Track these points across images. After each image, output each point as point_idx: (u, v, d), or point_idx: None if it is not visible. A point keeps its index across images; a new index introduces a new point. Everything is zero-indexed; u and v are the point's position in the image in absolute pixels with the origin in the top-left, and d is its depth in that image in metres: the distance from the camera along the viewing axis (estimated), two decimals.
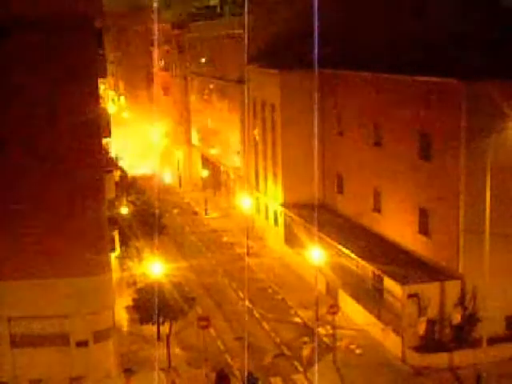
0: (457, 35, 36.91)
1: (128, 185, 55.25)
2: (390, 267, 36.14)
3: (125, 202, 49.05)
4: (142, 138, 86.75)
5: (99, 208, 31.03)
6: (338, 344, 35.23)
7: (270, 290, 43.98)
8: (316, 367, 32.72)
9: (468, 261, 33.50)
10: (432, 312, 33.67)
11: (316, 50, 40.63)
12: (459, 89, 32.87)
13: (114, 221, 39.89)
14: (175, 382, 32.54)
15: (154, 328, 35.26)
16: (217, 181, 68.88)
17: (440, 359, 32.88)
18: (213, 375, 31.98)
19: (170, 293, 34.09)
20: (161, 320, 34.29)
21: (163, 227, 49.59)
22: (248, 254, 50.69)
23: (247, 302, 41.05)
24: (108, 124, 33.87)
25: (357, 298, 38.56)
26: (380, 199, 41.49)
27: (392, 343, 34.73)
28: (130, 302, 35.94)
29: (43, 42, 29.16)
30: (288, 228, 50.03)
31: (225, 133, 64.81)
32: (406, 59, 38.00)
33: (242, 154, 59.62)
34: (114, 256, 36.45)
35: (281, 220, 51.29)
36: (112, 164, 41.76)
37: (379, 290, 37.61)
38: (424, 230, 36.65)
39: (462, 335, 33.44)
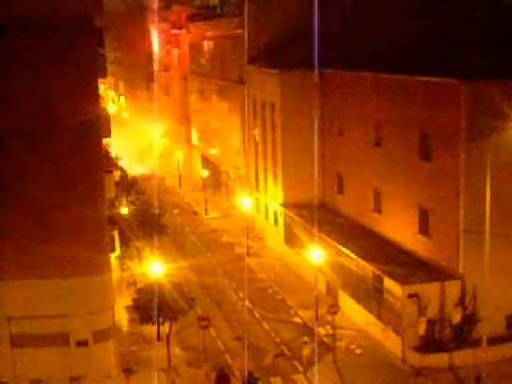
0: (457, 35, 36.88)
1: (128, 185, 55.22)
2: (390, 267, 36.14)
3: (125, 202, 49.03)
4: (142, 138, 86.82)
5: (99, 208, 31.03)
6: (338, 344, 35.24)
7: (270, 290, 43.98)
8: (316, 367, 32.74)
9: (468, 261, 33.50)
10: (432, 312, 33.66)
11: (316, 50, 40.67)
12: (459, 89, 32.87)
13: (114, 221, 39.90)
14: (175, 382, 32.54)
15: (154, 328, 35.28)
16: (217, 181, 68.88)
17: (440, 359, 32.87)
18: (213, 375, 31.99)
19: (169, 293, 34.09)
20: (161, 320, 34.32)
21: (163, 227, 49.60)
22: (248, 254, 50.69)
23: (247, 302, 41.06)
24: (108, 124, 33.84)
25: (357, 298, 38.56)
26: (380, 199, 41.49)
27: (392, 343, 34.73)
28: (129, 302, 35.94)
29: (43, 42, 29.16)
30: (288, 228, 50.02)
31: (225, 133, 64.82)
32: (406, 59, 37.99)
33: (242, 154, 59.62)
34: (114, 256, 36.42)
35: (281, 220, 51.29)
36: (112, 164, 41.77)
37: (379, 290, 37.60)
38: (424, 230, 36.65)
39: (462, 335, 33.44)
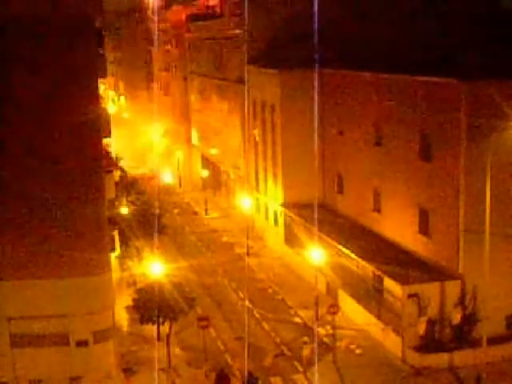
0: (457, 35, 36.88)
1: (128, 185, 55.22)
2: (389, 267, 36.14)
3: (125, 202, 49.03)
4: (142, 138, 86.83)
5: (99, 208, 31.01)
6: (338, 344, 35.24)
7: (270, 290, 43.98)
8: (316, 367, 32.72)
9: (468, 261, 33.50)
10: (432, 312, 33.67)
11: (316, 50, 40.66)
12: (459, 89, 32.87)
13: (114, 221, 39.89)
14: (175, 382, 32.55)
15: (154, 328, 35.27)
16: (217, 181, 68.88)
17: (440, 359, 32.88)
18: (213, 375, 31.99)
19: (170, 293, 34.08)
20: (161, 320, 34.29)
21: (163, 227, 49.59)
22: (248, 254, 50.69)
23: (247, 302, 41.05)
24: (108, 124, 33.82)
25: (357, 298, 38.55)
26: (380, 199, 41.49)
27: (392, 343, 34.73)
28: (130, 302, 35.93)
29: (43, 42, 29.13)
30: (288, 228, 50.02)
31: (225, 133, 64.81)
32: (406, 59, 37.98)
33: (242, 154, 59.61)
34: (113, 256, 36.42)
35: (281, 220, 51.28)
36: (112, 164, 41.72)
37: (379, 290, 37.60)
38: (424, 229, 36.65)
39: (462, 335, 33.45)
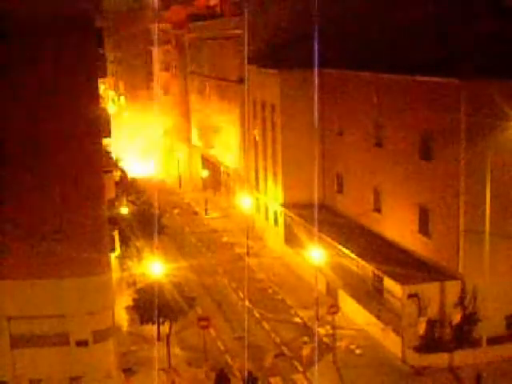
0: (457, 35, 36.88)
1: (128, 185, 55.25)
2: (389, 267, 36.13)
3: (125, 201, 49.06)
4: (142, 138, 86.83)
5: (99, 208, 30.98)
6: (338, 344, 35.23)
7: (270, 290, 43.98)
8: (316, 367, 32.73)
9: (468, 261, 33.50)
10: (432, 312, 33.67)
11: (316, 50, 40.65)
12: (459, 89, 32.87)
13: (114, 221, 39.87)
14: (175, 382, 32.53)
15: (154, 328, 35.27)
16: (217, 181, 68.88)
17: (440, 359, 32.88)
18: (213, 375, 31.99)
19: (170, 293, 34.08)
20: (161, 320, 34.30)
21: (163, 227, 49.60)
22: (248, 254, 50.69)
23: (247, 302, 41.06)
24: (108, 124, 33.78)
25: (357, 298, 38.53)
26: (380, 199, 41.49)
27: (392, 343, 34.72)
28: (130, 302, 35.94)
29: (43, 42, 29.10)
30: (288, 228, 50.02)
31: (225, 133, 64.81)
32: (406, 59, 37.98)
33: (242, 154, 59.62)
34: (114, 256, 36.41)
35: (281, 220, 51.28)
36: (112, 164, 41.75)
37: (379, 290, 37.63)
38: (424, 229, 36.65)
39: (462, 335, 33.43)
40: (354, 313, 38.46)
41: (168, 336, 34.37)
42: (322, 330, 36.90)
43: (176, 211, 65.18)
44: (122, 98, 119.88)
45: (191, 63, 76.14)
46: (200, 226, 60.48)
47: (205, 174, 70.68)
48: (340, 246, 40.50)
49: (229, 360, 34.62)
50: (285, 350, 35.61)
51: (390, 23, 45.11)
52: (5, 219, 30.21)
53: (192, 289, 41.38)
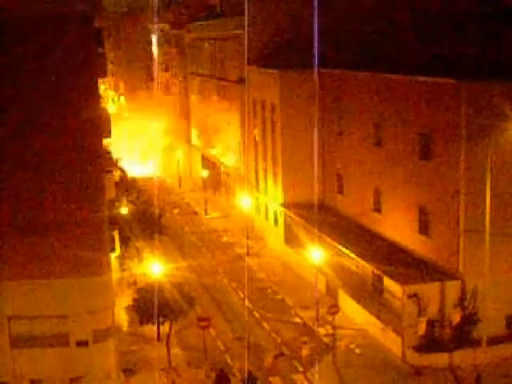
0: (456, 35, 36.92)
1: (128, 185, 55.24)
2: (389, 267, 36.14)
3: (125, 201, 49.04)
4: (141, 138, 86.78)
5: (99, 208, 30.99)
6: (338, 344, 35.24)
7: (269, 290, 43.98)
8: (316, 367, 32.73)
9: (468, 261, 33.51)
10: (432, 312, 33.67)
11: (316, 50, 40.64)
12: (459, 89, 32.88)
13: (114, 221, 39.89)
14: (175, 382, 32.53)
15: (154, 328, 35.27)
16: (217, 181, 68.86)
17: (440, 359, 32.88)
18: (213, 375, 31.99)
19: (170, 293, 34.09)
20: (161, 320, 34.30)
21: (163, 227, 49.60)
22: (248, 254, 50.69)
23: (247, 302, 41.06)
24: (108, 124, 33.78)
25: (357, 298, 38.54)
26: (380, 199, 41.49)
27: (392, 343, 34.73)
28: (130, 302, 35.94)
29: (42, 42, 29.10)
30: (288, 228, 50.02)
31: (225, 133, 64.81)
32: (406, 59, 38.01)
33: (242, 154, 59.62)
34: (114, 256, 36.43)
35: (281, 220, 51.28)
36: (112, 164, 41.75)
37: (379, 290, 37.62)
38: (424, 229, 36.65)
39: (462, 335, 33.43)
40: (353, 313, 38.46)
41: (168, 336, 34.38)
42: (322, 330, 36.91)
43: (176, 211, 65.17)
44: (122, 97, 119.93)
45: (191, 63, 76.12)
46: (200, 225, 60.47)
47: (205, 173, 70.65)
48: (340, 246, 40.51)
49: (229, 360, 34.62)
50: (285, 350, 35.59)
51: (390, 23, 45.16)
52: (5, 219, 30.22)
53: (192, 289, 41.36)
